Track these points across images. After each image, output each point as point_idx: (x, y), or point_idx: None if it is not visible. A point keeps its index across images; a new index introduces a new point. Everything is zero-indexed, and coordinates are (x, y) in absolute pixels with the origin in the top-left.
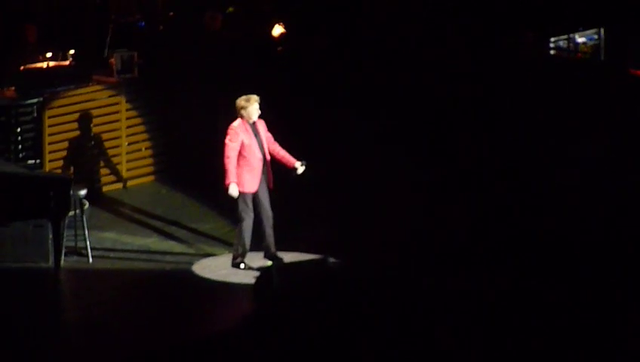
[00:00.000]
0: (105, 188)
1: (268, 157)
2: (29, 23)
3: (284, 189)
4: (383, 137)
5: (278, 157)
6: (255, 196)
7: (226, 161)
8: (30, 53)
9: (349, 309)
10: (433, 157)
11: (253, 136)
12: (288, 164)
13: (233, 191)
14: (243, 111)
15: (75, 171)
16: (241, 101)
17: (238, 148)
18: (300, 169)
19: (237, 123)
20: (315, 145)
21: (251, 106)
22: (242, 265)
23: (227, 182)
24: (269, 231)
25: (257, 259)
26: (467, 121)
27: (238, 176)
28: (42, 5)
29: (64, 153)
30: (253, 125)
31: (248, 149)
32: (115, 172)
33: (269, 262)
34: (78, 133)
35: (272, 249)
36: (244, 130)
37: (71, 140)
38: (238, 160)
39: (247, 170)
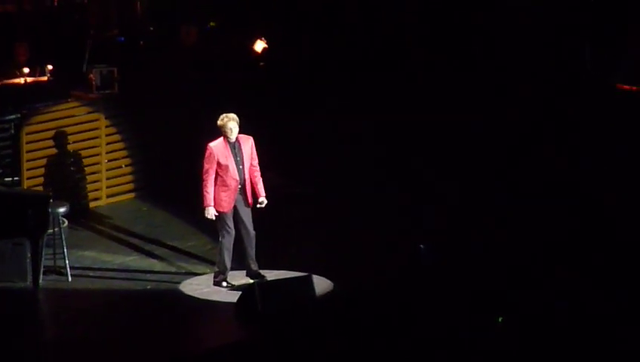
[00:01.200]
0: (84, 206)
1: (247, 176)
2: (19, 41)
3: (267, 205)
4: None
5: (251, 181)
6: (235, 214)
7: (202, 183)
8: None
9: (334, 328)
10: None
11: (231, 155)
12: (256, 192)
13: (209, 214)
14: (227, 129)
15: (53, 189)
16: (218, 120)
17: (213, 170)
18: (258, 205)
19: (216, 142)
20: (301, 159)
21: (227, 125)
22: (224, 283)
23: (203, 204)
24: (250, 250)
25: (240, 278)
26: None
27: (215, 195)
28: (31, 22)
29: (42, 170)
30: (235, 144)
31: (225, 169)
32: (94, 189)
33: (252, 281)
34: (56, 149)
35: (254, 267)
36: (223, 149)
37: (49, 157)
38: (216, 179)
39: (223, 189)
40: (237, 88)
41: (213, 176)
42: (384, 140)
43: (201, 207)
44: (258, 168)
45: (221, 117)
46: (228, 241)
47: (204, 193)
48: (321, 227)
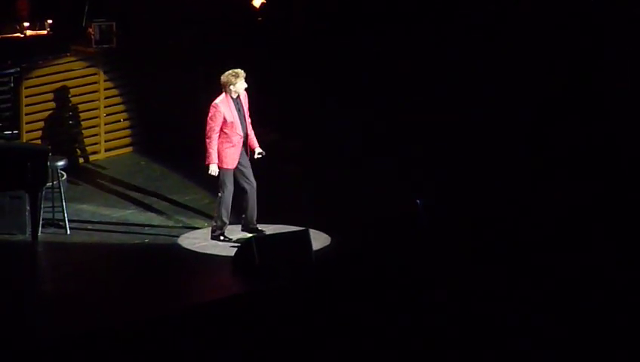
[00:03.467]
0: (83, 160)
1: (249, 131)
2: None
3: (264, 161)
4: (365, 109)
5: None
6: (237, 169)
7: (207, 141)
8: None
9: (330, 284)
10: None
11: (236, 111)
12: (250, 145)
13: (213, 171)
14: (231, 87)
15: (52, 142)
16: (229, 77)
17: (219, 128)
18: (257, 155)
19: (220, 99)
20: (297, 116)
21: (240, 82)
22: (222, 237)
23: (207, 162)
24: (252, 202)
25: (237, 232)
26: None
27: (219, 152)
28: None
29: (42, 124)
30: (237, 100)
31: (231, 126)
32: (92, 143)
33: (249, 235)
34: (55, 103)
35: (254, 221)
36: (227, 106)
37: (48, 111)
38: (220, 135)
39: (229, 146)
40: (235, 43)
41: (218, 134)
42: (384, 95)
43: (204, 163)
44: (249, 120)
45: (233, 73)
46: (227, 197)
47: (209, 150)
48: (317, 182)
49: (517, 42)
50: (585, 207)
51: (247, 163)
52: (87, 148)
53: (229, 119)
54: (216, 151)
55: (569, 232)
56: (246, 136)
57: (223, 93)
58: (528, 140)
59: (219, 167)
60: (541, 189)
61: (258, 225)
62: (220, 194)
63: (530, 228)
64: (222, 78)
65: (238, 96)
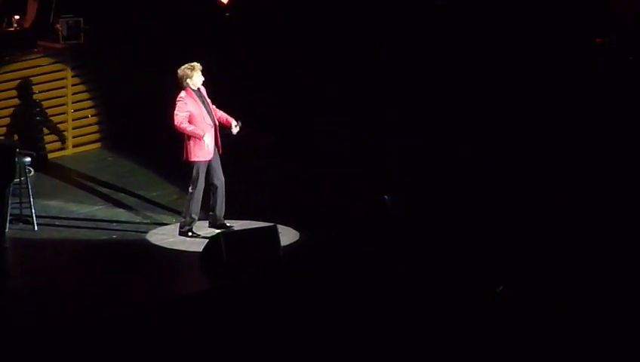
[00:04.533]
0: (50, 155)
1: (217, 122)
2: None
3: (234, 155)
4: (332, 102)
5: (217, 116)
6: (209, 164)
7: (181, 127)
8: None
9: (299, 279)
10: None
11: (200, 103)
12: (227, 123)
13: (207, 140)
14: (189, 80)
15: (19, 138)
16: (185, 70)
17: (187, 117)
18: (235, 129)
19: (184, 94)
20: (267, 110)
21: (196, 74)
22: (189, 233)
23: (191, 158)
24: (220, 199)
25: (205, 228)
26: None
27: (192, 146)
28: None
29: (9, 120)
30: (199, 92)
31: (199, 118)
32: (60, 139)
33: (217, 231)
34: (22, 99)
35: (222, 218)
36: (192, 99)
37: (16, 107)
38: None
39: (201, 140)
40: (202, 39)
41: (189, 121)
42: (350, 88)
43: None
44: (215, 108)
45: (189, 66)
46: (199, 193)
47: (189, 132)
48: (285, 176)
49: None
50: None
51: (217, 159)
52: (54, 143)
53: (195, 111)
54: (191, 142)
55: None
56: (215, 125)
57: (183, 90)
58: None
59: (192, 161)
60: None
61: (226, 221)
62: (190, 190)
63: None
64: (178, 72)
65: (199, 90)
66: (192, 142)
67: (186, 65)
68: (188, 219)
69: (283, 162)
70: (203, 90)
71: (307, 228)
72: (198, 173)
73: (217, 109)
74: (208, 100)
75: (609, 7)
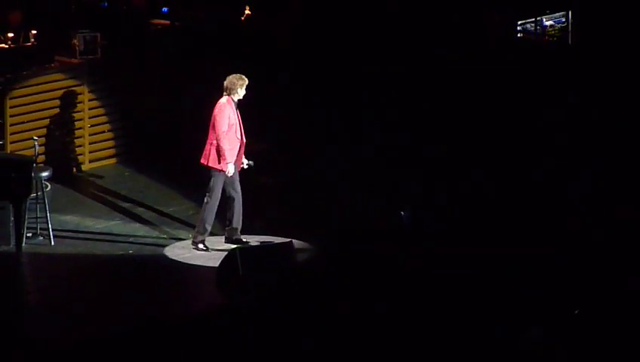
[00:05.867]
0: (67, 170)
1: (244, 139)
2: (13, 8)
3: (249, 171)
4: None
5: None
6: (230, 177)
7: (221, 142)
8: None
9: (315, 295)
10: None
11: (237, 115)
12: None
13: (230, 169)
14: (233, 91)
15: (36, 153)
16: (234, 79)
17: (227, 127)
18: (246, 166)
19: (225, 100)
20: (286, 127)
21: (243, 87)
22: (200, 246)
23: (222, 164)
24: (237, 212)
25: (221, 243)
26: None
27: (216, 154)
28: None
29: (26, 135)
30: (237, 105)
31: (233, 128)
32: (77, 154)
33: (232, 246)
34: (40, 114)
35: (238, 233)
36: (232, 108)
37: (33, 122)
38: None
39: (230, 148)
40: (222, 55)
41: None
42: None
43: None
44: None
45: (239, 76)
46: (214, 203)
47: (225, 149)
48: (302, 192)
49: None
50: None
51: (236, 172)
52: (71, 159)
53: (232, 121)
54: (230, 150)
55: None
56: (242, 143)
57: (226, 97)
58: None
59: (214, 169)
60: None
61: (242, 237)
62: (206, 200)
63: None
64: (227, 81)
65: (237, 103)
66: (217, 150)
67: (236, 75)
68: (201, 229)
69: (297, 178)
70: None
71: (323, 243)
72: (215, 183)
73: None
74: (240, 117)
75: None
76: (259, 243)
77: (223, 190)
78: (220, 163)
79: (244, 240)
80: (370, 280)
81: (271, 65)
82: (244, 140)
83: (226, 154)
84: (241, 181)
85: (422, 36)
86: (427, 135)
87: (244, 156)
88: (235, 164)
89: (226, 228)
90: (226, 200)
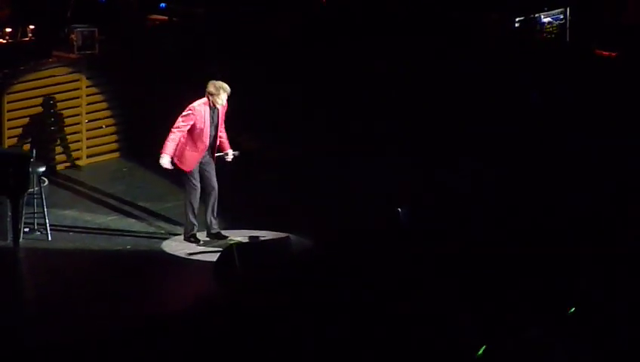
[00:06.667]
0: (64, 166)
1: (216, 142)
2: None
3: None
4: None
5: (219, 139)
6: (201, 171)
7: (170, 135)
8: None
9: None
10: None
11: (209, 121)
12: (222, 148)
13: (164, 163)
14: (211, 97)
15: (34, 148)
16: (210, 87)
17: (186, 128)
18: (229, 157)
19: (198, 104)
20: (280, 123)
21: (220, 96)
22: (192, 239)
23: (162, 151)
24: (212, 206)
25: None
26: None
27: (182, 153)
28: None
29: (23, 130)
30: (214, 109)
31: (199, 133)
32: (75, 149)
33: (231, 241)
34: (37, 109)
35: (213, 225)
36: (203, 113)
37: (30, 117)
38: (186, 138)
39: (191, 150)
40: (219, 51)
41: (183, 133)
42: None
43: (158, 154)
44: (224, 129)
45: (216, 85)
46: (194, 198)
47: (167, 142)
48: (298, 190)
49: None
50: None
51: (211, 165)
52: (69, 154)
53: (198, 126)
54: (174, 147)
55: None
56: (212, 148)
57: (205, 98)
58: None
59: (179, 168)
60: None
61: (221, 231)
62: (186, 196)
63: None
64: (208, 85)
65: (217, 108)
66: (169, 142)
67: (218, 83)
68: (187, 223)
69: (293, 175)
70: (221, 110)
71: (318, 238)
72: (188, 179)
73: (223, 133)
74: (220, 121)
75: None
76: (255, 239)
77: (201, 183)
78: (180, 162)
79: (224, 234)
80: (365, 277)
81: (271, 64)
82: (223, 138)
83: (167, 146)
84: (241, 177)
85: (421, 34)
86: (427, 129)
87: (229, 147)
88: (198, 161)
89: (206, 222)
90: (202, 195)
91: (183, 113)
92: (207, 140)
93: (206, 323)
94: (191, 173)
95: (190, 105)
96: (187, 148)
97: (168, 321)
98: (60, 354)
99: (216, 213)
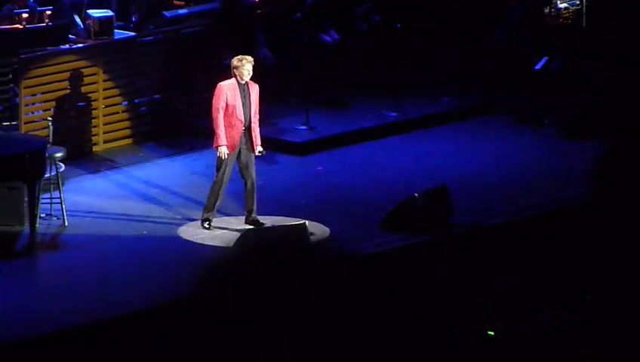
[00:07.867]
0: (81, 151)
1: (253, 122)
2: None
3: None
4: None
5: (253, 119)
6: (238, 160)
7: (213, 123)
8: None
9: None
10: None
11: (240, 97)
12: (253, 141)
13: (222, 153)
14: (235, 71)
15: (50, 133)
16: (234, 60)
17: (223, 109)
18: (257, 154)
19: (227, 82)
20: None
21: (243, 67)
22: (206, 224)
23: (216, 144)
24: (250, 196)
25: (236, 224)
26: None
27: (218, 134)
28: None
29: (40, 115)
30: (245, 87)
31: (232, 109)
32: (91, 134)
33: (248, 227)
34: (54, 94)
35: (252, 214)
36: (232, 89)
37: (47, 102)
38: (223, 118)
39: (228, 129)
40: (234, 34)
41: (223, 114)
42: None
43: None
44: (257, 117)
45: (238, 57)
46: (219, 180)
47: (217, 132)
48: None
49: None
50: None
51: (249, 155)
52: (85, 139)
53: (230, 102)
54: (224, 133)
55: None
56: (248, 124)
57: (233, 78)
58: None
59: (215, 148)
60: None
61: (259, 218)
62: (215, 179)
63: None
64: (232, 60)
65: (247, 84)
66: (218, 130)
67: (241, 56)
68: (208, 205)
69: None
70: (253, 87)
71: (336, 225)
72: (219, 162)
73: (255, 125)
74: (253, 99)
75: None
76: (273, 225)
77: (239, 172)
78: (216, 141)
79: (262, 221)
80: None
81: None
82: (255, 126)
83: (218, 135)
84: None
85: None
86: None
87: (259, 142)
88: (237, 146)
89: (245, 209)
90: (243, 183)
91: (215, 95)
92: (241, 116)
93: (218, 309)
94: (223, 153)
95: (218, 85)
96: (225, 125)
97: (180, 307)
98: (74, 336)
99: (254, 202)
